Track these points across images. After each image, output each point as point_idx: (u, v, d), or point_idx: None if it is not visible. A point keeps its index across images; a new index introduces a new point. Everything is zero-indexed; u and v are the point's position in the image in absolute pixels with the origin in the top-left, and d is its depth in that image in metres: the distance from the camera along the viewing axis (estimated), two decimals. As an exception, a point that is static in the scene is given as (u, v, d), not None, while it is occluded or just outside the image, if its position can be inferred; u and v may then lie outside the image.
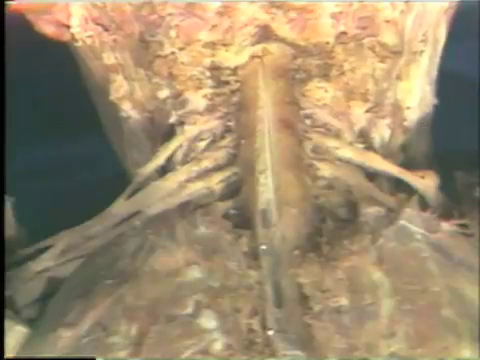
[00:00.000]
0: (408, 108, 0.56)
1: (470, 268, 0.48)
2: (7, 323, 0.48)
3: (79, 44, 0.52)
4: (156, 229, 0.50)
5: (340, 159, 0.53)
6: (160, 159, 0.54)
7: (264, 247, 0.49)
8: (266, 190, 0.50)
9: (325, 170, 0.53)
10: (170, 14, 0.52)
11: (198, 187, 0.53)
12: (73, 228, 0.53)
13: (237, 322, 0.46)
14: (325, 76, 0.53)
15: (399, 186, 0.54)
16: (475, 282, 0.47)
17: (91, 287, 0.48)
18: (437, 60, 0.57)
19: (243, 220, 0.51)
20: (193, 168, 0.53)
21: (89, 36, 0.55)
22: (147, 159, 0.55)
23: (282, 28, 0.52)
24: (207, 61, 0.53)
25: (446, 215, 0.51)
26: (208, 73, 0.53)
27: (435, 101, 0.57)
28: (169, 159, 0.54)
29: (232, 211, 0.52)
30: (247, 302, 0.46)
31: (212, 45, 0.52)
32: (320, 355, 0.45)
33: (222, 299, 0.46)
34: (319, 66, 0.53)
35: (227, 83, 0.53)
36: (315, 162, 0.53)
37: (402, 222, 0.49)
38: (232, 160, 0.53)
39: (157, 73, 0.54)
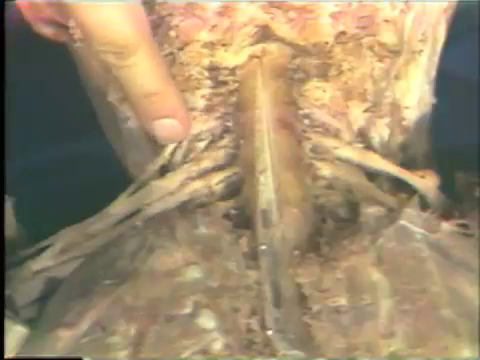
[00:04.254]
0: (407, 107, 0.56)
1: (470, 268, 0.48)
2: (6, 323, 0.48)
3: (77, 45, 0.52)
4: (156, 229, 0.50)
5: (339, 159, 0.54)
6: (159, 159, 0.54)
7: (264, 247, 0.49)
8: (266, 190, 0.50)
9: (325, 170, 0.53)
10: (170, 14, 0.52)
11: (198, 187, 0.53)
12: (73, 226, 0.54)
13: (236, 322, 0.46)
14: (324, 76, 0.53)
15: (399, 186, 0.54)
16: (475, 282, 0.47)
17: (90, 287, 0.48)
18: (436, 59, 0.57)
19: (243, 220, 0.51)
20: (193, 168, 0.53)
21: (87, 37, 0.55)
22: (146, 159, 0.55)
23: (281, 28, 0.52)
24: (206, 61, 0.53)
25: (446, 215, 0.51)
26: (206, 73, 0.53)
27: (434, 100, 0.57)
28: (168, 160, 0.54)
29: (232, 211, 0.52)
30: (246, 302, 0.47)
31: (211, 45, 0.52)
32: (319, 355, 0.45)
33: (221, 299, 0.46)
34: (318, 66, 0.53)
35: (225, 83, 0.53)
36: (315, 162, 0.53)
37: (402, 222, 0.49)
38: (232, 160, 0.53)
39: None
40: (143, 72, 0.47)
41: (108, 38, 0.45)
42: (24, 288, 0.52)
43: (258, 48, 0.52)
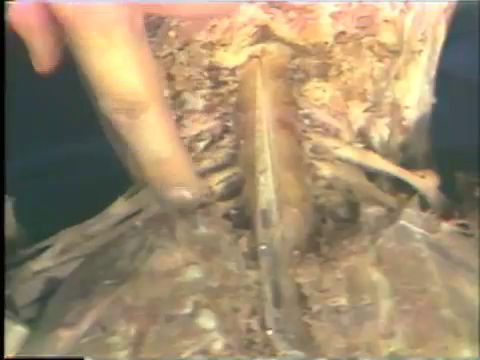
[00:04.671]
0: (407, 107, 0.56)
1: (470, 268, 0.48)
2: (6, 323, 0.48)
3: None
4: (156, 229, 0.50)
5: (339, 159, 0.54)
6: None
7: (264, 247, 0.49)
8: (266, 190, 0.50)
9: (325, 170, 0.53)
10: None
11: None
12: (73, 227, 0.54)
13: (236, 322, 0.46)
14: (323, 76, 0.53)
15: (399, 186, 0.54)
16: (475, 282, 0.47)
17: (90, 287, 0.48)
18: (436, 59, 0.56)
19: (243, 220, 0.51)
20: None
21: (87, 37, 0.55)
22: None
23: (281, 28, 0.52)
24: (205, 61, 0.53)
25: (446, 215, 0.51)
26: (206, 73, 0.53)
27: (434, 100, 0.57)
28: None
29: (232, 211, 0.52)
30: (246, 302, 0.47)
31: (211, 45, 0.52)
32: (319, 355, 0.45)
33: (221, 299, 0.46)
34: (317, 66, 0.53)
35: (225, 83, 0.53)
36: (315, 162, 0.53)
37: (402, 222, 0.49)
38: (232, 160, 0.53)
39: (155, 74, 0.54)
40: (154, 134, 0.46)
41: (119, 95, 0.44)
42: (24, 288, 0.52)
43: (258, 48, 0.52)
